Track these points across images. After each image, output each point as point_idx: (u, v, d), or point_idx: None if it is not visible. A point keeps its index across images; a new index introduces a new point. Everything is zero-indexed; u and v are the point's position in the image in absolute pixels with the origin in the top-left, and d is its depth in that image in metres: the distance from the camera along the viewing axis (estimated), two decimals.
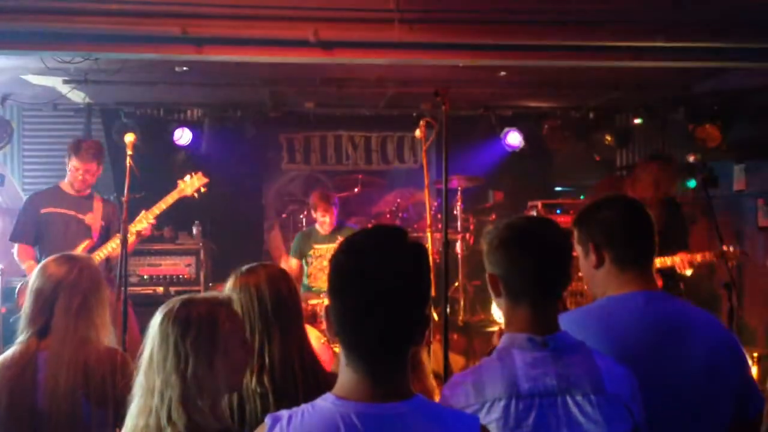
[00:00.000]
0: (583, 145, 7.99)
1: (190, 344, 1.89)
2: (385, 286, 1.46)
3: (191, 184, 5.31)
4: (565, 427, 1.75)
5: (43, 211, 5.08)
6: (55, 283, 2.60)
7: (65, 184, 5.21)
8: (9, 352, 2.58)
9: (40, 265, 2.72)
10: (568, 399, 1.77)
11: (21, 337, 2.60)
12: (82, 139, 5.65)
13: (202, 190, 5.36)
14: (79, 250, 4.88)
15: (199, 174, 5.37)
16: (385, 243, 1.52)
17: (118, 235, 4.84)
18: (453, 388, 1.82)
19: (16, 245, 5.14)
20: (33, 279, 2.65)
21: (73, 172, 5.09)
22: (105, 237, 5.16)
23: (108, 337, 2.68)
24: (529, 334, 1.83)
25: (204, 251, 6.97)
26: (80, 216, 5.09)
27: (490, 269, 1.93)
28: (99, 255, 4.91)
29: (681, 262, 4.72)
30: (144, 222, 5.04)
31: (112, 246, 4.97)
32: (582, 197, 7.79)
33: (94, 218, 5.10)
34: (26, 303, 2.63)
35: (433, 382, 3.20)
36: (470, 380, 1.80)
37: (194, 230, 7.16)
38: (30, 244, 5.12)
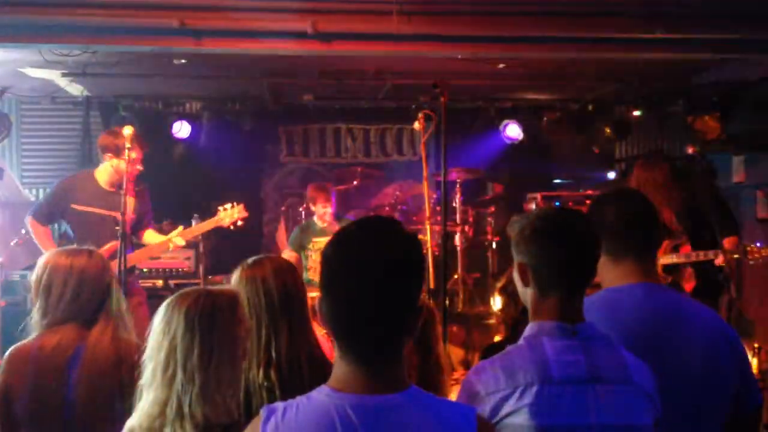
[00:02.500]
0: (582, 138, 7.98)
1: (216, 336, 1.90)
2: (374, 277, 1.45)
3: (230, 215, 5.23)
4: (595, 415, 1.76)
5: (74, 206, 4.91)
6: (108, 280, 2.65)
7: (101, 175, 4.97)
8: (49, 338, 2.53)
9: (96, 256, 2.70)
10: (598, 387, 1.78)
11: (57, 323, 2.56)
12: (115, 130, 5.18)
13: (239, 223, 5.29)
14: (104, 249, 4.70)
15: (241, 207, 5.30)
16: (374, 234, 1.51)
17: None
18: (480, 373, 1.82)
19: (29, 218, 4.97)
20: (89, 268, 2.62)
21: (132, 165, 4.76)
22: (137, 228, 5.11)
23: (130, 332, 2.71)
24: (558, 322, 1.85)
25: (203, 244, 6.97)
26: (112, 214, 4.84)
27: (519, 258, 1.93)
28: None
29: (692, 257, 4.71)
30: (179, 240, 5.06)
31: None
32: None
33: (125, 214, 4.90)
34: (74, 289, 2.58)
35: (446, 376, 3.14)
36: (499, 365, 1.80)
37: (193, 223, 7.15)
38: (45, 225, 5.01)
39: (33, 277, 2.63)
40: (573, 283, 1.88)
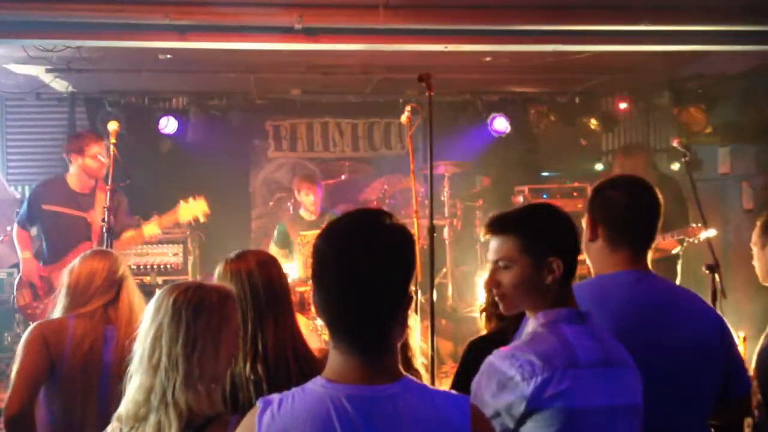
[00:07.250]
0: (569, 130, 8.00)
1: (200, 328, 1.92)
2: (365, 268, 1.48)
3: (189, 209, 5.14)
4: (612, 396, 1.82)
5: (45, 207, 5.04)
6: (122, 268, 3.08)
7: (72, 179, 5.13)
8: (84, 313, 2.92)
9: (110, 252, 3.20)
10: (611, 370, 1.83)
11: (87, 306, 2.93)
12: (80, 131, 5.72)
13: (201, 220, 5.21)
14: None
15: (203, 201, 5.18)
16: (364, 225, 1.54)
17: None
18: (509, 359, 1.82)
19: (15, 225, 5.23)
20: (106, 261, 3.03)
21: (94, 160, 5.02)
22: (110, 232, 5.09)
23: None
24: (572, 309, 1.91)
25: (191, 240, 6.95)
26: (82, 214, 5.04)
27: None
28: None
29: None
30: (155, 228, 5.13)
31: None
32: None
33: (95, 216, 5.01)
34: (89, 278, 2.96)
35: (420, 368, 3.19)
36: (530, 351, 1.81)
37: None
38: (27, 230, 5.19)
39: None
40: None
